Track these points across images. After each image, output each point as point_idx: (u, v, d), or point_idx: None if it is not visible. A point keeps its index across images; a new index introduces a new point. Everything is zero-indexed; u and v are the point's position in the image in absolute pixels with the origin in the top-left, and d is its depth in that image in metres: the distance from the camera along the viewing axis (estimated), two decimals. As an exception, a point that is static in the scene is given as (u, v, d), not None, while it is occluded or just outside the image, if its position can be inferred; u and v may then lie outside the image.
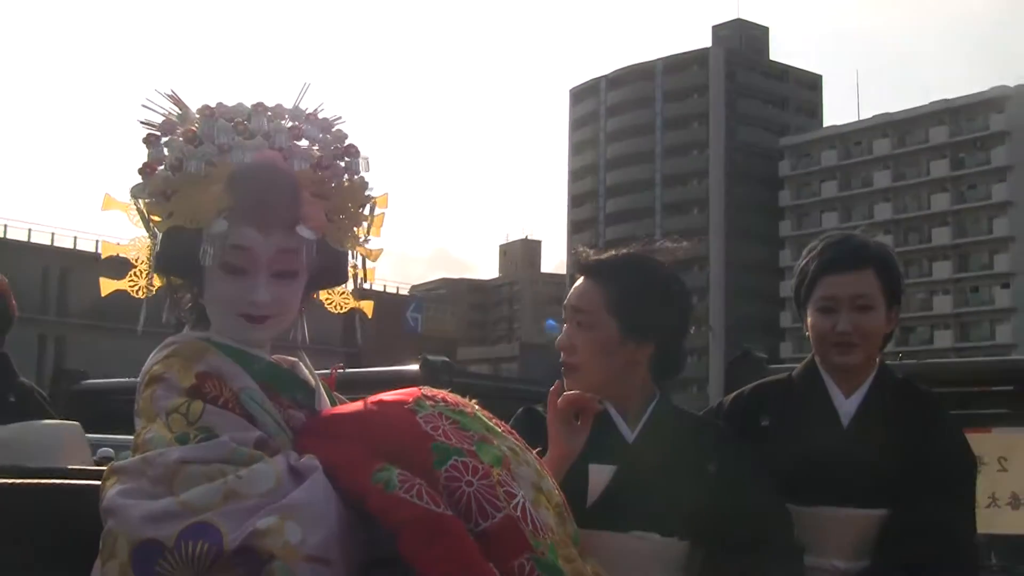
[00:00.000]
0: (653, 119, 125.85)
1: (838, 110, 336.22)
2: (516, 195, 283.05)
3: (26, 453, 3.33)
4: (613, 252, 3.29)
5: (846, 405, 3.61)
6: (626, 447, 3.16)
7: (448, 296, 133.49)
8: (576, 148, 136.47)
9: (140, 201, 2.49)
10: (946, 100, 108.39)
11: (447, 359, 5.88)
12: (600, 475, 3.07)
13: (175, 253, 2.47)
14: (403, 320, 65.23)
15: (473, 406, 2.53)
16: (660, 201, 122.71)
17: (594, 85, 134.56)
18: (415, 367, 5.55)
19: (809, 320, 3.66)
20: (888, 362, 3.79)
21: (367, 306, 2.76)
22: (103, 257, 2.72)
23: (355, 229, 2.62)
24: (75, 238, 62.41)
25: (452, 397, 2.51)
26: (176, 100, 2.57)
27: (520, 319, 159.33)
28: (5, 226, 60.72)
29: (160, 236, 2.48)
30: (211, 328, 2.53)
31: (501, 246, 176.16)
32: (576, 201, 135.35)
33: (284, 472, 2.18)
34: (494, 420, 2.53)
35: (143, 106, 2.54)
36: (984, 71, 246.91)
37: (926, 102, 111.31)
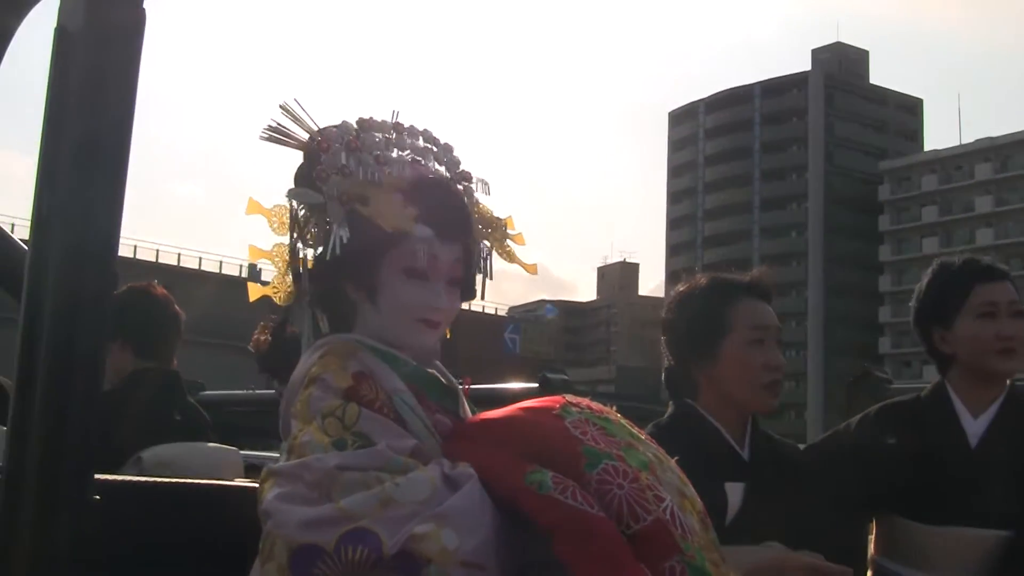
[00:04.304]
0: (751, 142, 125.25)
1: (939, 134, 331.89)
2: (615, 217, 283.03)
3: (188, 473, 3.41)
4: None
5: (974, 426, 3.59)
6: (745, 465, 3.32)
7: (546, 317, 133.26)
8: (674, 171, 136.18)
9: (302, 206, 2.54)
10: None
11: (566, 378, 5.86)
12: (734, 493, 3.20)
13: (352, 257, 2.48)
14: (501, 341, 65.18)
15: (616, 414, 2.54)
16: (758, 225, 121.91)
17: (693, 108, 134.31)
18: (534, 385, 5.53)
19: (963, 331, 3.64)
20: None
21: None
22: (250, 261, 2.80)
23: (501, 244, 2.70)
24: (179, 255, 63.64)
25: (595, 405, 2.52)
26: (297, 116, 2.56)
27: (616, 341, 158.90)
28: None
29: (332, 241, 2.45)
30: (355, 332, 2.56)
31: (599, 268, 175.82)
32: (674, 224, 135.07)
33: (439, 480, 2.21)
34: (636, 428, 2.55)
35: (282, 111, 2.52)
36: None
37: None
